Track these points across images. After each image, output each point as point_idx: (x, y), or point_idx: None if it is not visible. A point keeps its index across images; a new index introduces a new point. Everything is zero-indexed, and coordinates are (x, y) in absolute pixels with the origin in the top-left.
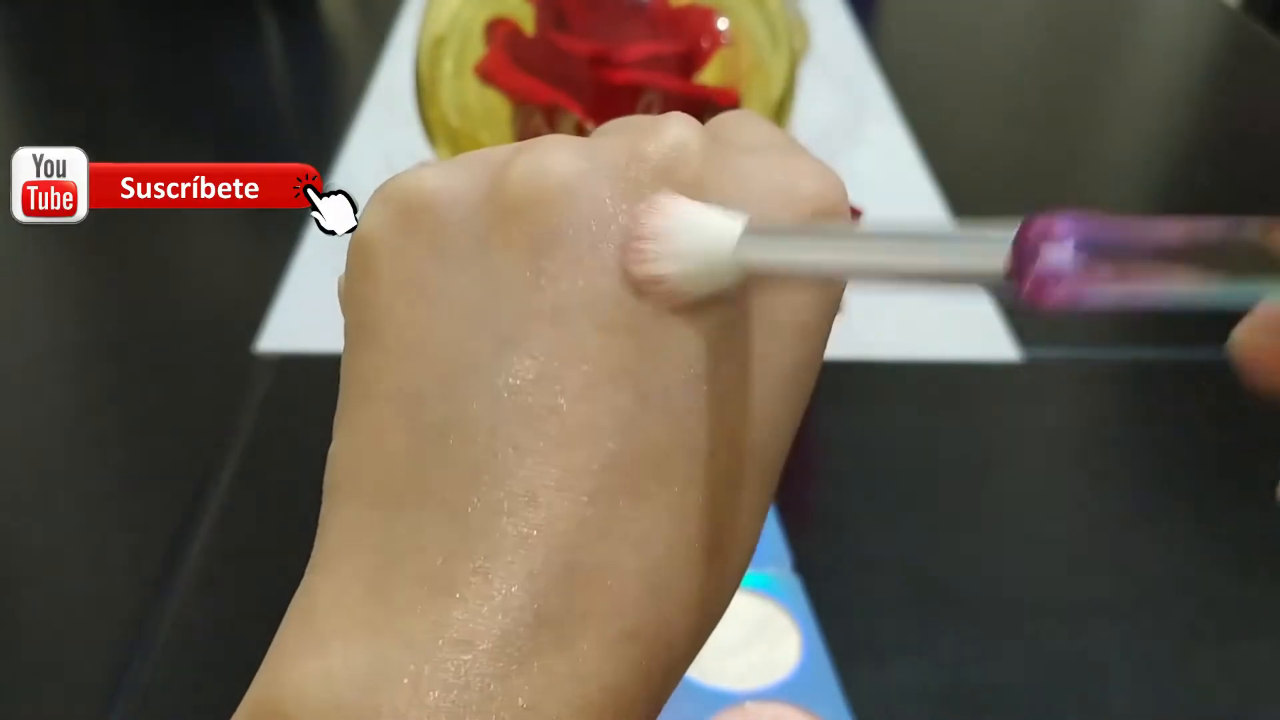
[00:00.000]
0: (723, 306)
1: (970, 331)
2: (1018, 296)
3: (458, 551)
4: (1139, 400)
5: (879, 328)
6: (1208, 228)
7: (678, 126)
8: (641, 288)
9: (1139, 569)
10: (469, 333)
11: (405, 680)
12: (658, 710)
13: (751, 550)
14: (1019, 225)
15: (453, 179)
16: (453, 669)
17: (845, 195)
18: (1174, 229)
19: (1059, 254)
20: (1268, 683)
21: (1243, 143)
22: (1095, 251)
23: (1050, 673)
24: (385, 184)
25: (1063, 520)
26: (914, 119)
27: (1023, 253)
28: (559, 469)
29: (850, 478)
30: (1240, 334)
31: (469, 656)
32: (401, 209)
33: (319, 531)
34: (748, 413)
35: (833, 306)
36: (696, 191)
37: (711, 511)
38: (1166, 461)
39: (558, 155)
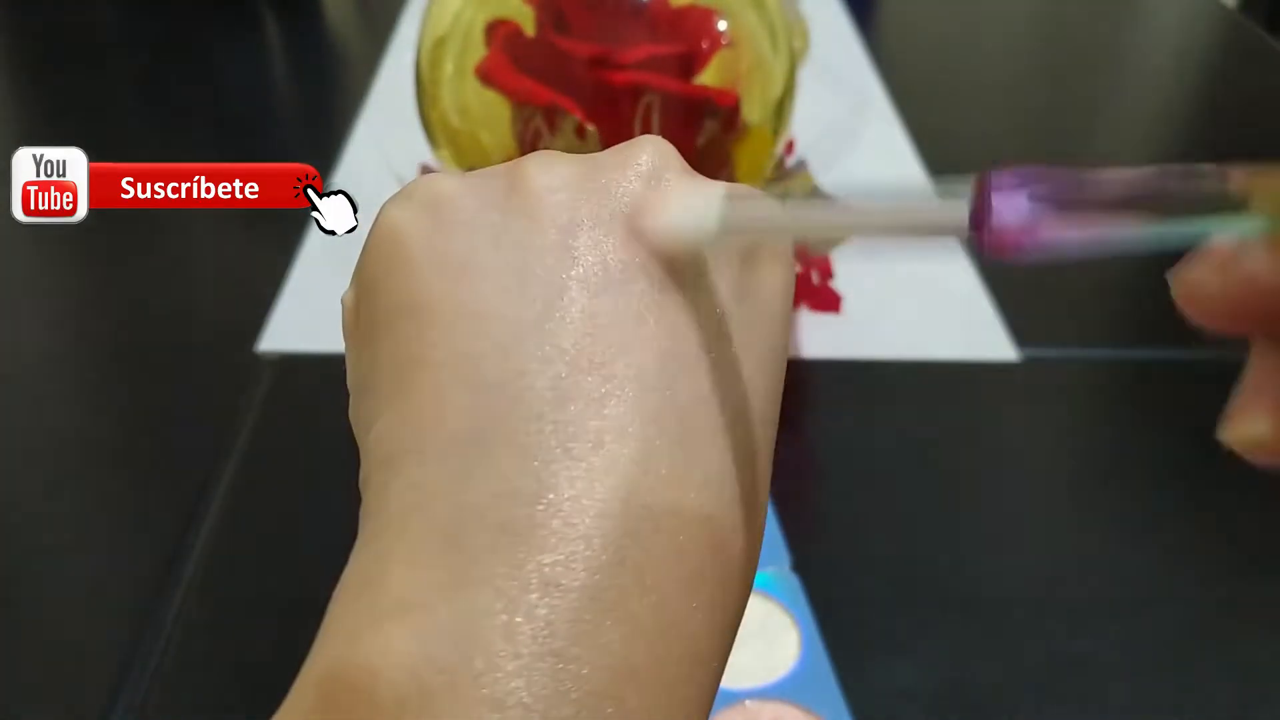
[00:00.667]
0: (728, 273)
1: (969, 331)
2: (980, 248)
3: (533, 496)
4: (1137, 400)
5: (878, 328)
6: (1158, 173)
7: (656, 140)
8: (650, 239)
9: (1138, 568)
10: (514, 299)
11: (497, 628)
12: (723, 665)
13: (765, 507)
14: (975, 180)
15: (470, 180)
16: (543, 614)
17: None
18: (1124, 176)
19: (1013, 205)
20: (1267, 682)
21: (1241, 143)
22: (1049, 201)
23: (1049, 671)
24: (404, 187)
25: (1061, 519)
26: (912, 120)
27: (979, 206)
28: (620, 415)
29: (849, 477)
30: (1183, 270)
31: (558, 600)
32: (426, 202)
33: (371, 508)
34: (756, 375)
35: (791, 285)
36: (687, 177)
37: (753, 457)
38: (1165, 461)
39: (562, 159)
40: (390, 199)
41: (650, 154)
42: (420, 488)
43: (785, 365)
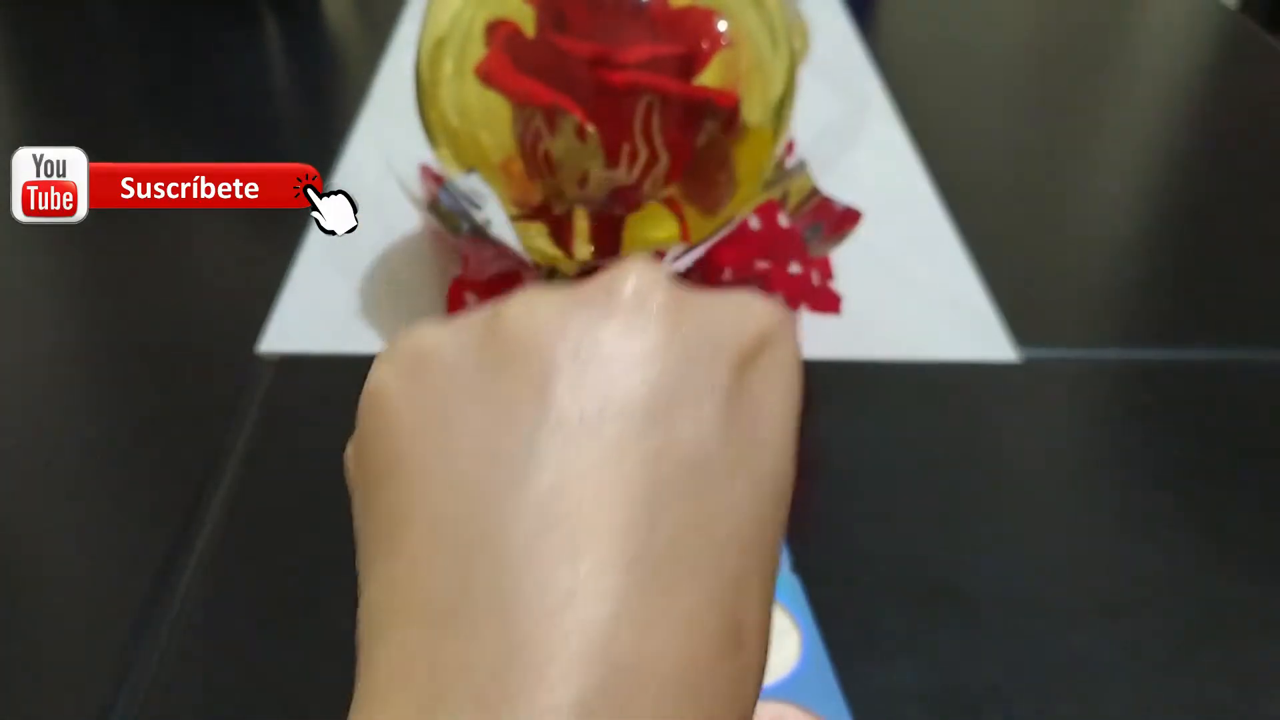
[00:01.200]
0: (711, 406)
1: (968, 332)
2: None
3: (505, 663)
4: (1137, 400)
5: (878, 328)
6: None
7: (644, 263)
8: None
9: (1137, 568)
10: (490, 457)
11: None
12: None
13: (766, 638)
14: None
15: (449, 331)
16: None
17: (790, 322)
18: None
19: None
20: (1268, 682)
21: (1241, 142)
22: None
23: (1048, 672)
24: (386, 348)
25: (1061, 520)
26: (913, 120)
27: None
28: (590, 571)
29: (849, 477)
30: None
31: None
32: (408, 361)
33: (362, 667)
34: (743, 508)
35: (796, 400)
36: (666, 317)
37: (744, 585)
38: (1165, 461)
39: (544, 298)
40: (379, 356)
41: (634, 282)
42: (403, 656)
43: (787, 485)
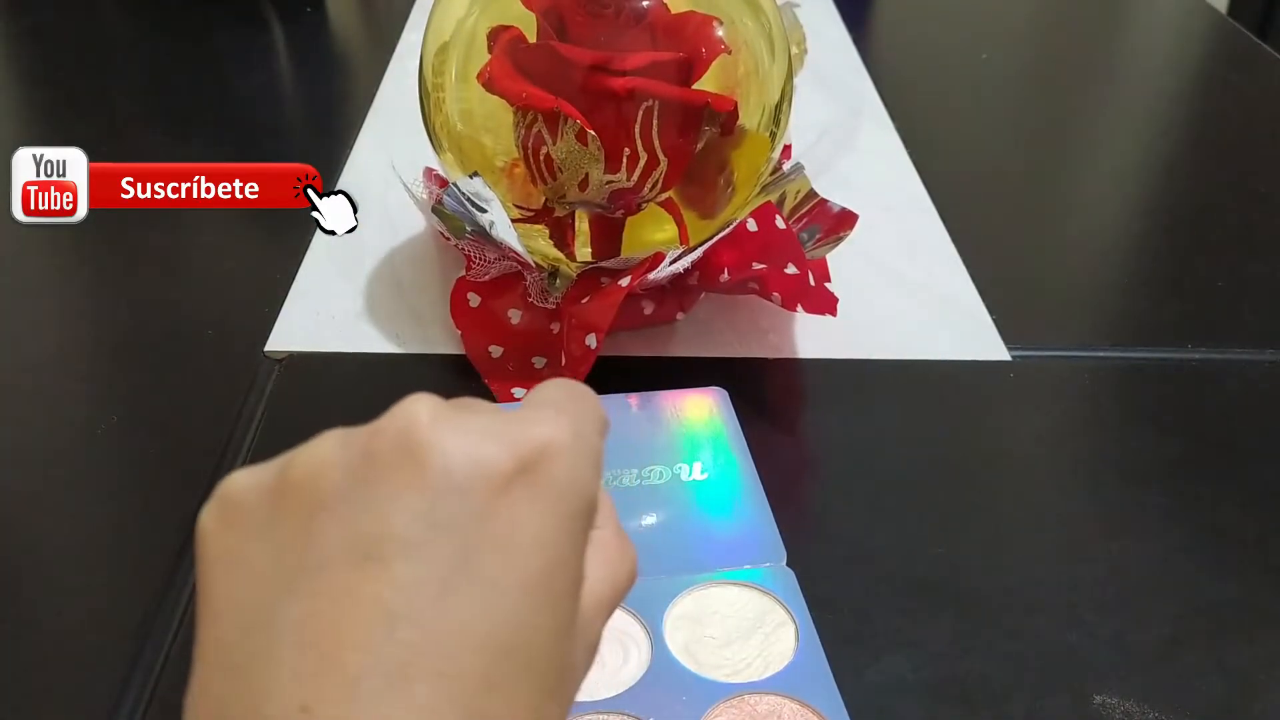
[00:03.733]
0: (453, 536)
1: (962, 332)
2: None
3: None
4: (1127, 398)
5: (873, 328)
6: None
7: (410, 405)
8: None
9: (1130, 565)
10: (259, 588)
11: None
12: None
13: None
14: None
15: (255, 476)
16: None
17: (567, 440)
18: None
19: None
20: (1258, 678)
21: (1229, 146)
22: None
23: (1040, 666)
24: (212, 495)
25: (1053, 516)
26: (906, 125)
27: None
28: (326, 686)
29: (844, 474)
30: None
31: None
32: (220, 504)
33: None
34: (496, 620)
35: (570, 518)
36: (420, 451)
37: (481, 699)
38: (1155, 459)
39: (327, 445)
40: (206, 503)
41: (400, 421)
42: None
43: (547, 591)
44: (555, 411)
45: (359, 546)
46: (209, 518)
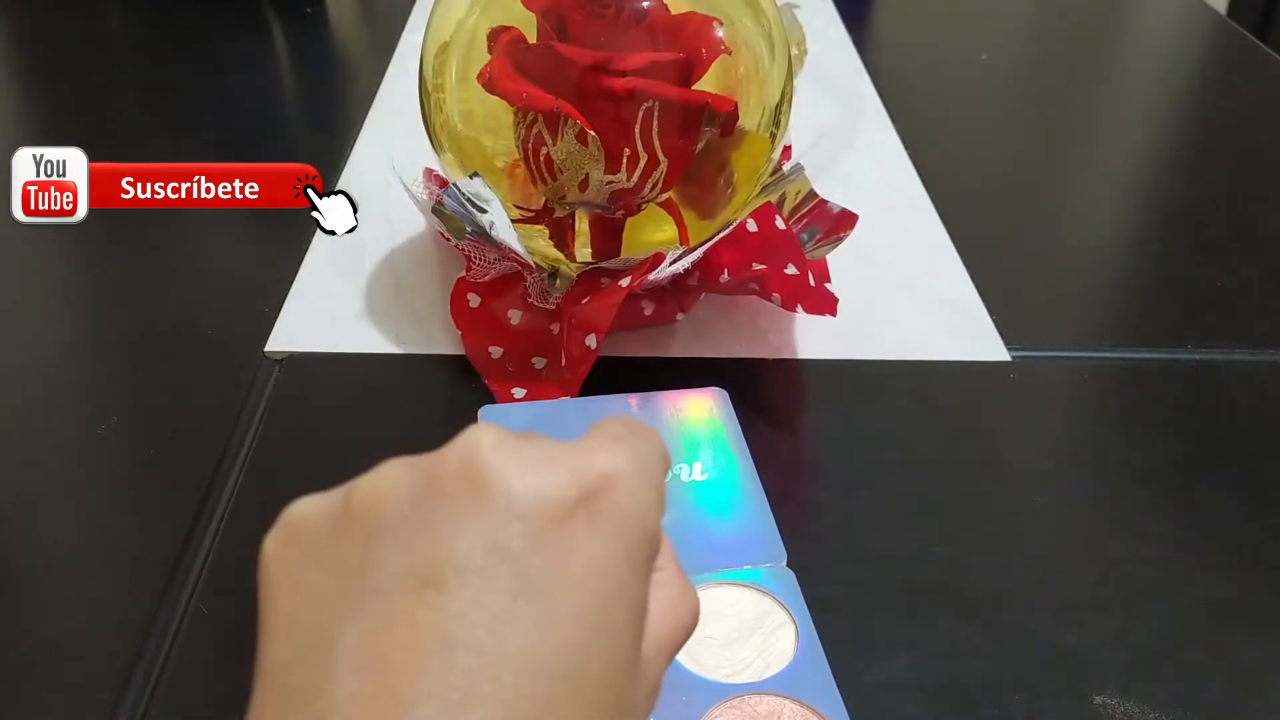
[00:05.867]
0: (512, 562)
1: (961, 332)
2: None
3: None
4: (1127, 399)
5: (872, 328)
6: None
7: (475, 434)
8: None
9: (1130, 565)
10: (319, 610)
11: None
12: None
13: None
14: None
15: (320, 502)
16: None
17: (630, 471)
18: None
19: None
20: (1258, 680)
21: (1229, 146)
22: None
23: (1040, 666)
24: (279, 519)
25: (1053, 516)
26: (906, 125)
27: None
28: (382, 710)
29: (844, 475)
30: None
31: None
32: (284, 529)
33: None
34: (553, 647)
35: (630, 547)
36: (482, 478)
37: (559, 712)
38: (1155, 460)
39: (390, 472)
40: (272, 528)
41: (463, 450)
42: None
43: (606, 617)
44: (617, 443)
45: (418, 572)
46: (273, 542)
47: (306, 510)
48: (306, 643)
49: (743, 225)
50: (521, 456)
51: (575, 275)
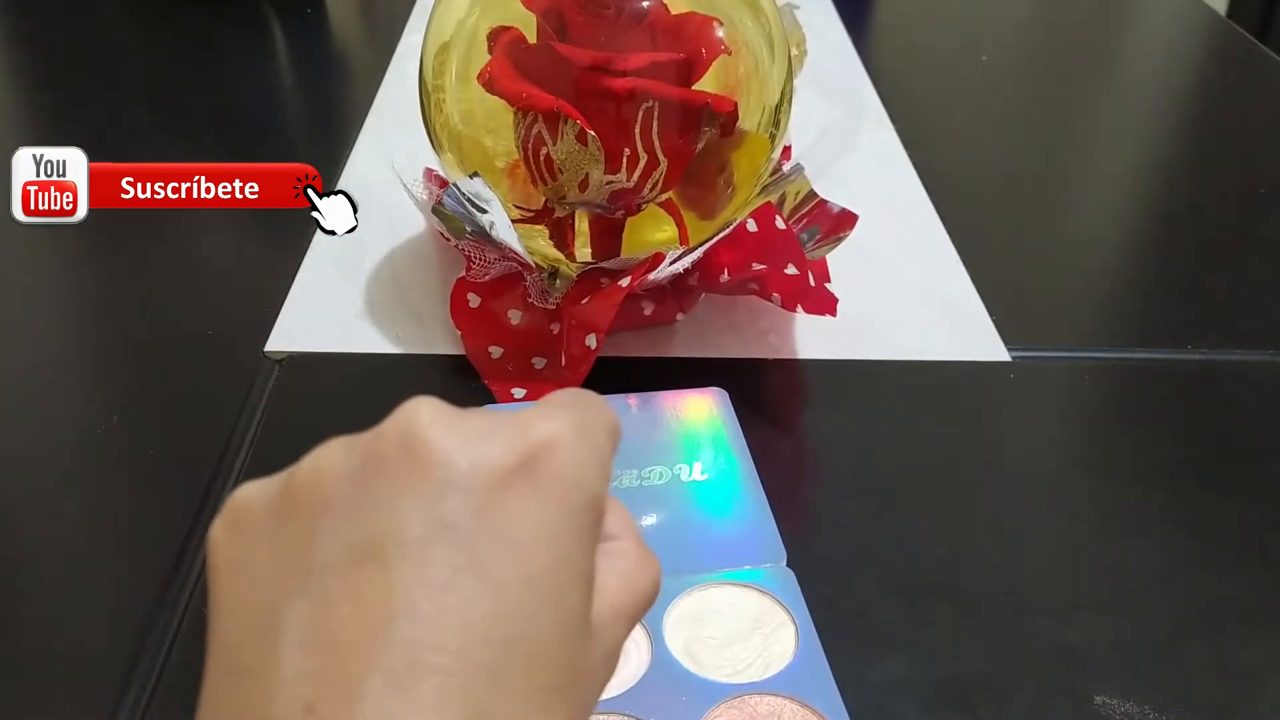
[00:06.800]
0: (454, 533)
1: (961, 332)
2: None
3: None
4: (1126, 399)
5: (872, 328)
6: None
7: (412, 407)
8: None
9: (1129, 565)
10: (265, 592)
11: None
12: None
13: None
14: None
15: (263, 486)
16: None
17: (570, 436)
18: None
19: None
20: (1257, 679)
21: (1229, 147)
22: None
23: (1040, 666)
24: (223, 505)
25: (1052, 516)
26: (906, 125)
27: None
28: (331, 683)
29: (844, 475)
30: None
31: None
32: (229, 514)
33: None
34: (498, 615)
35: (573, 512)
36: (420, 450)
37: (484, 691)
38: (1154, 459)
39: (330, 451)
40: (219, 512)
41: (401, 423)
42: None
43: (550, 584)
44: (558, 410)
45: (361, 547)
46: (218, 528)
47: (250, 495)
48: (254, 624)
49: (742, 225)
50: (460, 428)
51: (575, 275)
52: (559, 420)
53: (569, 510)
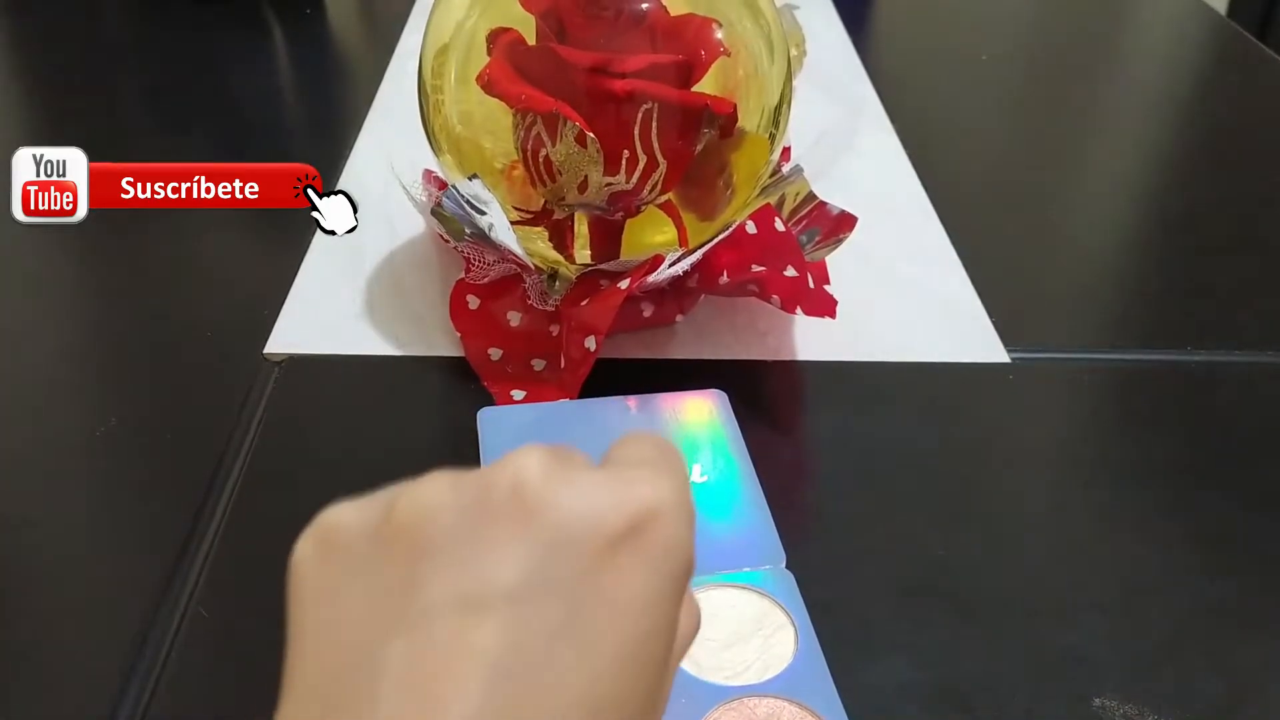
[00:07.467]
0: (561, 592)
1: (961, 334)
2: None
3: None
4: (1125, 400)
5: (871, 330)
6: None
7: (522, 457)
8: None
9: (1129, 567)
10: (359, 628)
11: None
12: None
13: None
14: None
15: (358, 512)
16: None
17: (674, 503)
18: None
19: None
20: (1256, 680)
21: (1230, 147)
22: None
23: (1039, 667)
24: (311, 524)
25: (1052, 518)
26: (905, 127)
27: None
28: None
29: (843, 476)
30: None
31: None
32: (320, 539)
33: None
34: (593, 680)
35: (673, 580)
36: (533, 504)
37: None
38: (1153, 461)
39: (435, 488)
40: (305, 531)
41: (510, 473)
42: None
43: (646, 651)
44: (659, 473)
45: (467, 595)
46: (307, 548)
47: (345, 519)
48: (348, 659)
49: (742, 227)
50: (570, 483)
51: (574, 277)
52: (663, 485)
53: (669, 579)
